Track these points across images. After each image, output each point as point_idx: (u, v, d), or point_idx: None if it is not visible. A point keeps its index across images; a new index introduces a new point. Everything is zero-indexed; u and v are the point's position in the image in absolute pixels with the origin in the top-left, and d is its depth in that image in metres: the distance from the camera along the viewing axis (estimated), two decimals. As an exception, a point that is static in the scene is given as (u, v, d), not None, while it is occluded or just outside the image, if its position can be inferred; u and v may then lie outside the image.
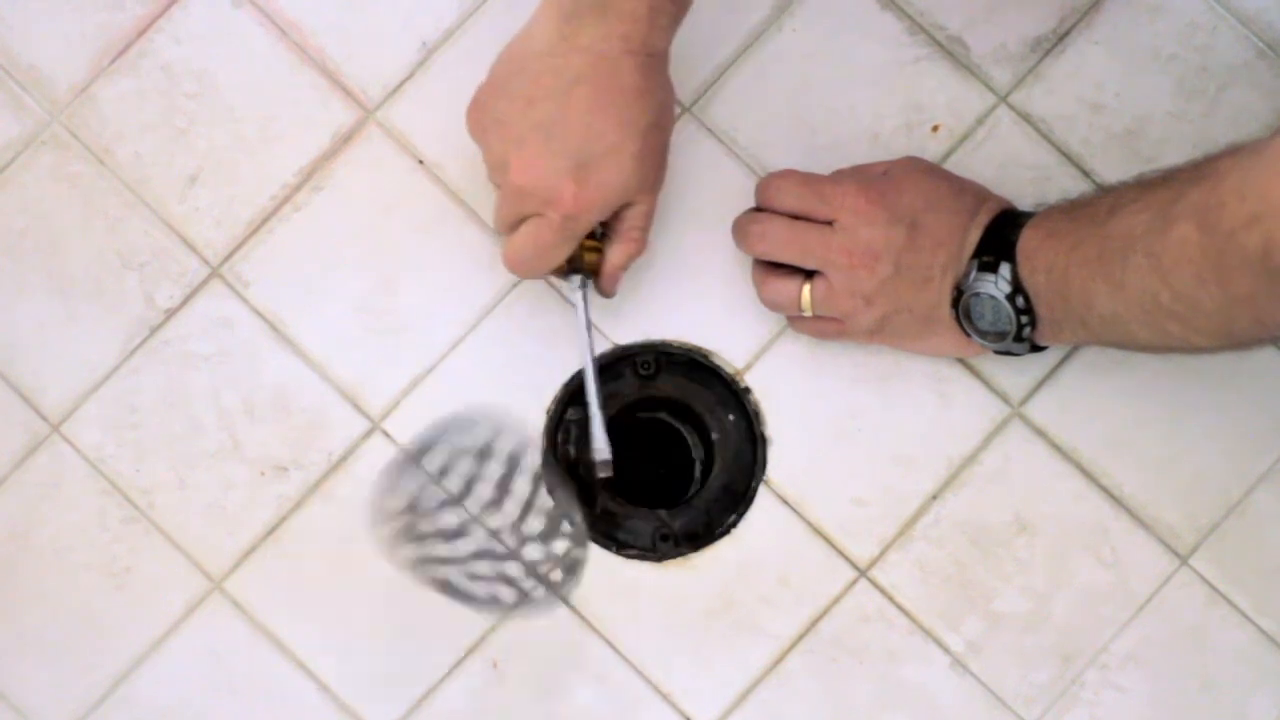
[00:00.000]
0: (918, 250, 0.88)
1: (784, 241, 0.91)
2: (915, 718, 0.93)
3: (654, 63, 0.85)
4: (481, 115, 0.87)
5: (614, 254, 0.90)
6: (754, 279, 0.94)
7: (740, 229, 0.93)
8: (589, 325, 0.91)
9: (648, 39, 0.84)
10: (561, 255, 0.88)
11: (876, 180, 0.90)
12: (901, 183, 0.90)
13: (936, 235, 0.88)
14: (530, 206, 0.86)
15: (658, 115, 0.86)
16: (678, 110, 0.96)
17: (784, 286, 0.92)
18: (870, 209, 0.89)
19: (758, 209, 0.93)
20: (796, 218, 0.91)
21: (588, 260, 0.90)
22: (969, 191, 0.90)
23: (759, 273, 0.93)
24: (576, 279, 0.90)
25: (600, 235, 0.90)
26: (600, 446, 0.90)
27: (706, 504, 0.95)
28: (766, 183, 0.93)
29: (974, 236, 0.87)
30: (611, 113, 0.84)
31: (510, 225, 0.88)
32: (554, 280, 0.94)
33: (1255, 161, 0.72)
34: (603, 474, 0.91)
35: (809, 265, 0.91)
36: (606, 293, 0.92)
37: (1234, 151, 0.75)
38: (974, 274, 0.86)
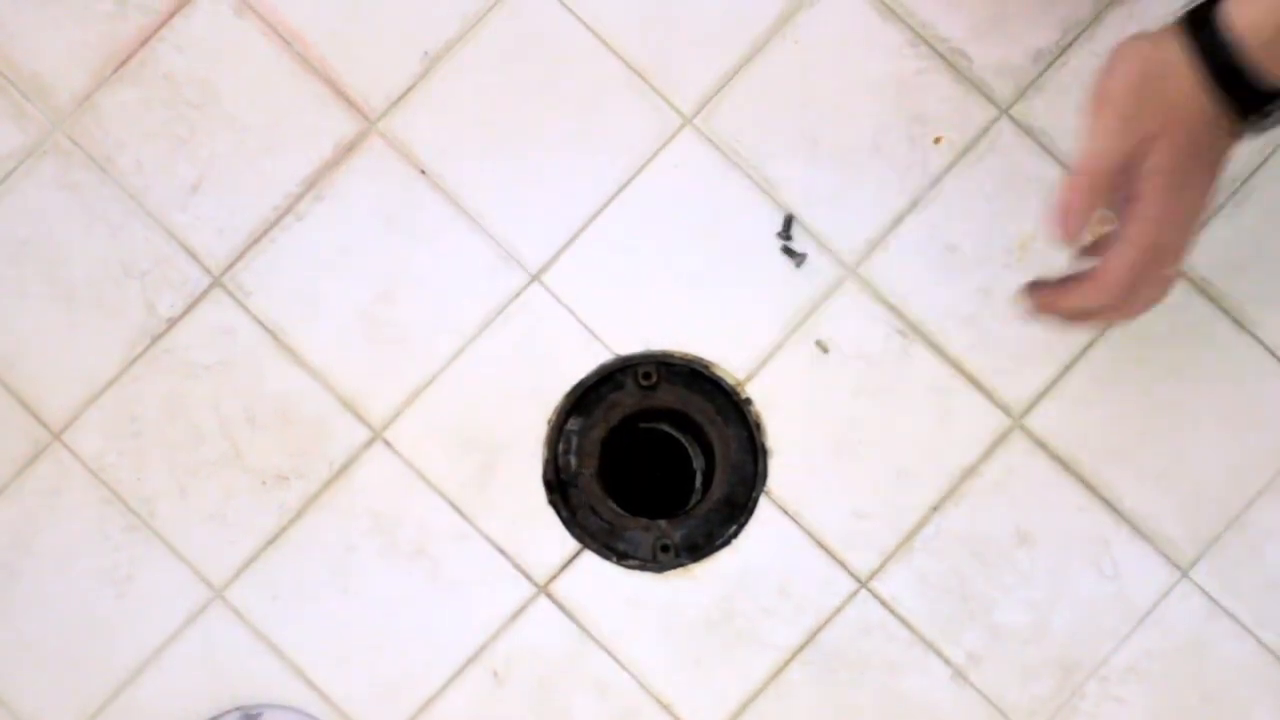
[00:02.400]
0: (1188, 166, 0.80)
1: (1122, 286, 0.82)
2: (915, 729, 0.93)
3: None
4: None
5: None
6: (1046, 303, 0.85)
7: (1069, 314, 0.84)
8: None
9: None
10: None
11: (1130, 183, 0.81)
12: (1142, 168, 0.80)
13: (1195, 149, 0.79)
14: None
15: None
16: (679, 121, 0.96)
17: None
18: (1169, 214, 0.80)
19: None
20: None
21: None
22: (1150, 86, 0.79)
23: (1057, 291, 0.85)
24: None
25: None
26: None
27: (707, 515, 0.95)
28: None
29: (1204, 101, 0.78)
30: None
31: None
32: None
33: None
34: None
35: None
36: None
37: None
38: (1249, 120, 0.78)
